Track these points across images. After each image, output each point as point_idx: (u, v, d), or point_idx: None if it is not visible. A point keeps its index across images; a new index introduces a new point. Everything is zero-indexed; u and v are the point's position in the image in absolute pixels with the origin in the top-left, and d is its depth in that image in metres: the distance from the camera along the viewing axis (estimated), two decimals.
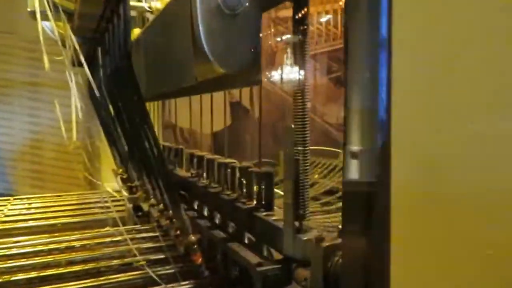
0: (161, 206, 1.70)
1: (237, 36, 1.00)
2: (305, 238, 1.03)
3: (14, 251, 1.76)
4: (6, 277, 1.47)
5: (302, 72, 1.07)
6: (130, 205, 2.11)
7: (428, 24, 0.51)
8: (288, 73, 4.23)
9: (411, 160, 0.52)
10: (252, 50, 0.99)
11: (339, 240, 0.91)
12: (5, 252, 1.74)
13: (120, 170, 2.78)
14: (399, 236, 0.55)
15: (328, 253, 0.92)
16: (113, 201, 2.18)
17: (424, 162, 0.49)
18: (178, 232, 1.48)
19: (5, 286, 1.44)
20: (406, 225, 0.55)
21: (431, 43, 0.50)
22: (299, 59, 1.07)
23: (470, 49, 0.46)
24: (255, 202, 1.29)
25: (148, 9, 2.00)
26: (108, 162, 2.78)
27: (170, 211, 1.56)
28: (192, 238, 1.35)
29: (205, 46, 0.99)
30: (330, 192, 2.31)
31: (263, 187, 1.26)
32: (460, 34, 0.47)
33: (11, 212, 2.42)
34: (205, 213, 1.64)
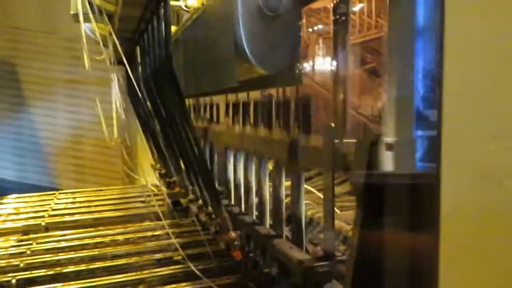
0: (200, 202, 1.74)
1: (278, 36, 1.01)
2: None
3: (63, 244, 1.85)
4: (58, 269, 1.55)
5: (340, 64, 1.04)
6: (169, 200, 2.16)
7: (485, 20, 0.49)
8: (320, 64, 4.20)
9: (462, 166, 0.51)
10: (293, 51, 1.00)
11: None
12: (55, 245, 1.84)
13: (158, 165, 2.86)
14: (449, 241, 0.55)
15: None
16: (151, 195, 2.25)
17: (476, 169, 0.49)
18: (218, 228, 1.51)
19: (56, 278, 1.52)
20: (455, 228, 0.55)
21: (486, 41, 0.48)
22: (340, 51, 1.03)
23: None
24: None
25: (185, 8, 2.03)
26: (144, 158, 2.86)
27: (210, 207, 1.60)
28: (233, 234, 1.38)
29: (246, 47, 1.01)
30: None
31: None
32: None
33: (57, 206, 2.54)
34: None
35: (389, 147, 0.78)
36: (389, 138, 0.78)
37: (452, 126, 0.53)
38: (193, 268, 1.47)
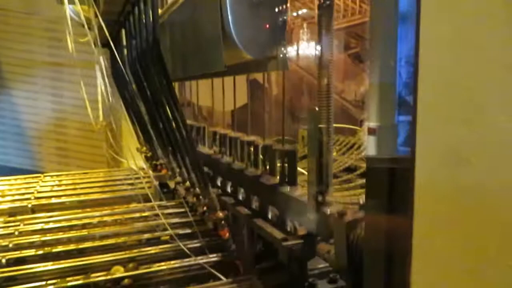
0: (187, 184, 1.78)
1: (264, 23, 1.04)
2: (328, 212, 1.08)
3: (51, 225, 1.87)
4: (48, 249, 1.58)
5: (325, 48, 1.06)
6: (156, 182, 2.19)
7: (458, 11, 0.53)
8: (304, 49, 4.22)
9: (435, 148, 0.56)
10: (279, 36, 1.03)
11: (361, 215, 0.96)
12: (42, 226, 1.85)
13: (144, 148, 2.88)
14: (423, 215, 0.60)
15: (351, 227, 0.97)
16: (138, 178, 2.27)
17: (450, 152, 0.54)
18: (206, 208, 1.56)
19: (47, 257, 1.55)
20: (429, 206, 0.60)
21: (459, 31, 0.53)
22: (324, 35, 1.05)
23: (503, 32, 0.48)
24: (278, 178, 1.34)
25: None
26: (130, 141, 2.87)
27: (197, 189, 1.64)
28: (220, 214, 1.43)
29: (233, 32, 1.04)
30: (348, 170, 2.36)
31: (286, 164, 1.30)
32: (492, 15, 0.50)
33: (43, 189, 2.54)
34: (229, 189, 1.70)
35: (372, 131, 0.81)
36: (371, 123, 0.83)
37: (426, 110, 0.57)
38: (182, 246, 1.52)
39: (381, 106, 0.78)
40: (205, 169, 1.81)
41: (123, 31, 2.14)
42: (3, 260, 1.49)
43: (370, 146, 0.82)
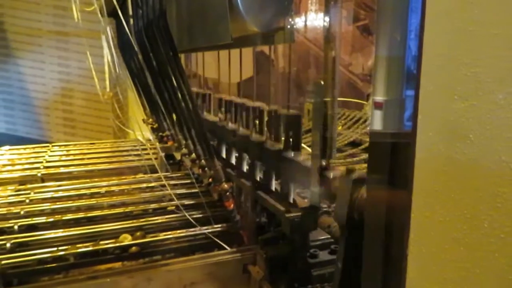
0: (193, 155, 1.81)
1: None
2: (331, 176, 1.07)
3: (60, 194, 1.92)
4: (58, 217, 1.63)
5: (331, 20, 1.02)
6: (162, 154, 2.22)
7: None
8: (312, 20, 4.14)
9: (436, 123, 0.57)
10: (285, 9, 1.02)
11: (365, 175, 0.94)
12: (52, 194, 1.90)
13: (150, 120, 2.90)
14: (421, 188, 0.61)
15: (356, 183, 0.94)
16: (145, 149, 2.30)
17: (449, 127, 0.54)
18: (211, 180, 1.59)
19: (57, 224, 1.60)
20: (428, 179, 0.61)
21: (468, 9, 0.52)
22: (329, 7, 1.01)
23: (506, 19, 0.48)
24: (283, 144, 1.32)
25: None
26: (136, 112, 2.88)
27: (203, 160, 1.66)
28: (225, 185, 1.46)
29: (240, 5, 1.03)
30: (353, 144, 2.37)
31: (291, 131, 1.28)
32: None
33: (51, 158, 2.59)
34: (234, 157, 1.68)
35: (379, 105, 0.80)
36: (378, 97, 0.82)
37: (428, 85, 0.58)
38: (187, 216, 1.56)
39: (389, 79, 0.77)
40: (210, 137, 1.82)
41: (129, 0, 2.12)
42: (16, 227, 1.54)
43: (376, 120, 0.82)
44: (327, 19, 1.03)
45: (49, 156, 2.64)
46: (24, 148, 2.84)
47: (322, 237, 1.28)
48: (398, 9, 0.74)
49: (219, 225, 1.56)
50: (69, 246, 1.41)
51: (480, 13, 0.49)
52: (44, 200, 1.85)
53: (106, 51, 2.23)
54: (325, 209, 1.23)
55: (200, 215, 1.64)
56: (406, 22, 0.72)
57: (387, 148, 0.77)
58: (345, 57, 4.85)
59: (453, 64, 0.52)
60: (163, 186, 1.78)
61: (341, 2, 1.04)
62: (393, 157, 0.76)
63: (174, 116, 1.87)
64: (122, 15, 2.11)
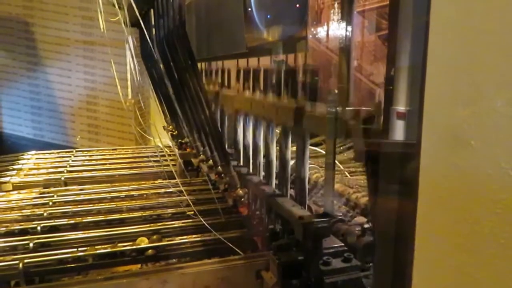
0: (210, 162, 1.84)
1: (286, 5, 1.05)
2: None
3: (82, 197, 1.98)
4: (79, 219, 1.68)
5: (348, 29, 1.03)
6: (181, 160, 2.26)
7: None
8: (334, 30, 4.15)
9: (439, 128, 0.58)
10: (300, 19, 1.04)
11: None
12: (74, 198, 1.96)
13: (170, 127, 2.96)
14: (426, 195, 0.62)
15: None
16: (164, 156, 2.35)
17: (451, 134, 0.55)
18: (226, 186, 1.61)
19: (77, 226, 1.65)
20: (432, 185, 0.62)
21: (471, 18, 0.53)
22: (346, 15, 1.02)
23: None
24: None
25: None
26: (157, 119, 2.94)
27: (219, 167, 1.69)
28: (240, 192, 1.48)
29: (256, 16, 1.05)
30: None
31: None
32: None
33: (75, 163, 2.67)
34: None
35: (401, 115, 0.80)
36: (400, 107, 0.81)
37: (432, 94, 0.59)
38: (203, 222, 1.58)
39: (411, 89, 0.77)
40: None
41: (152, 11, 2.18)
42: (38, 228, 1.60)
43: (397, 130, 0.81)
44: (342, 28, 1.05)
45: (73, 161, 2.73)
46: (50, 153, 2.93)
47: (336, 245, 1.28)
48: (419, 20, 0.75)
49: (234, 231, 1.57)
50: (89, 248, 1.45)
51: (481, 22, 0.50)
52: (67, 203, 1.91)
53: (129, 59, 2.31)
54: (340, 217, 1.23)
55: (216, 221, 1.66)
56: (428, 32, 0.73)
57: (410, 158, 0.77)
58: (366, 66, 4.82)
59: (455, 72, 0.53)
60: (181, 191, 1.81)
61: (354, 12, 1.05)
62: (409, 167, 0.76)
63: (193, 124, 1.91)
64: (144, 25, 2.18)
